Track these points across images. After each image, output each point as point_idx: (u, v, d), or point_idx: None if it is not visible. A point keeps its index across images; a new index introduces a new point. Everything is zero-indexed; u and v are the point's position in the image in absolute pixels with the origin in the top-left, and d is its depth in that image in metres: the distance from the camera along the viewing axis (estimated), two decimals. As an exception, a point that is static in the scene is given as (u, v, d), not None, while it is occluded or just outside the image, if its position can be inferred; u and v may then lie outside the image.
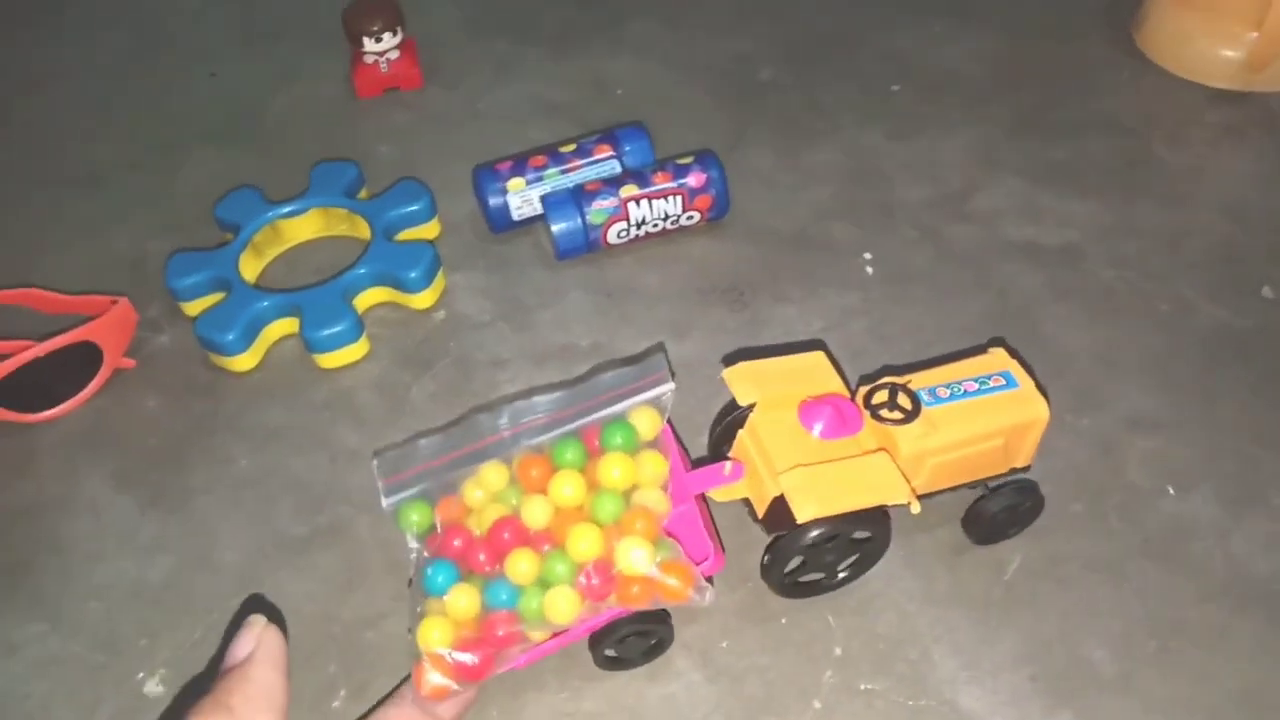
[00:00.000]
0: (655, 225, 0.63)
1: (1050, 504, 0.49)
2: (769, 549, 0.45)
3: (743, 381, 0.47)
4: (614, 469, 0.42)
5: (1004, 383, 0.47)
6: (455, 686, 0.40)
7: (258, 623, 0.36)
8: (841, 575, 0.47)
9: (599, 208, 0.62)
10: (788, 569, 0.45)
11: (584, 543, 0.41)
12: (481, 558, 0.42)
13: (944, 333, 0.58)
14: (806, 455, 0.45)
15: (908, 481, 0.44)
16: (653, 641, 0.45)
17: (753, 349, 0.58)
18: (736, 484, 0.47)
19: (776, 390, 0.47)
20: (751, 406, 0.47)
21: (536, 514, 0.42)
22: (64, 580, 0.51)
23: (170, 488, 0.54)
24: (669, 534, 0.42)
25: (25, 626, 0.49)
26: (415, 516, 0.43)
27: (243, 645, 0.36)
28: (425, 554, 0.43)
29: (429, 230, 0.66)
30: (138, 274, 0.65)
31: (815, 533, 0.43)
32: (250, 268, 0.64)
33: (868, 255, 0.63)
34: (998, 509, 0.47)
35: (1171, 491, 0.50)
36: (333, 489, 0.53)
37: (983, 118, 0.73)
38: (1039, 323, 0.58)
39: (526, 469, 0.43)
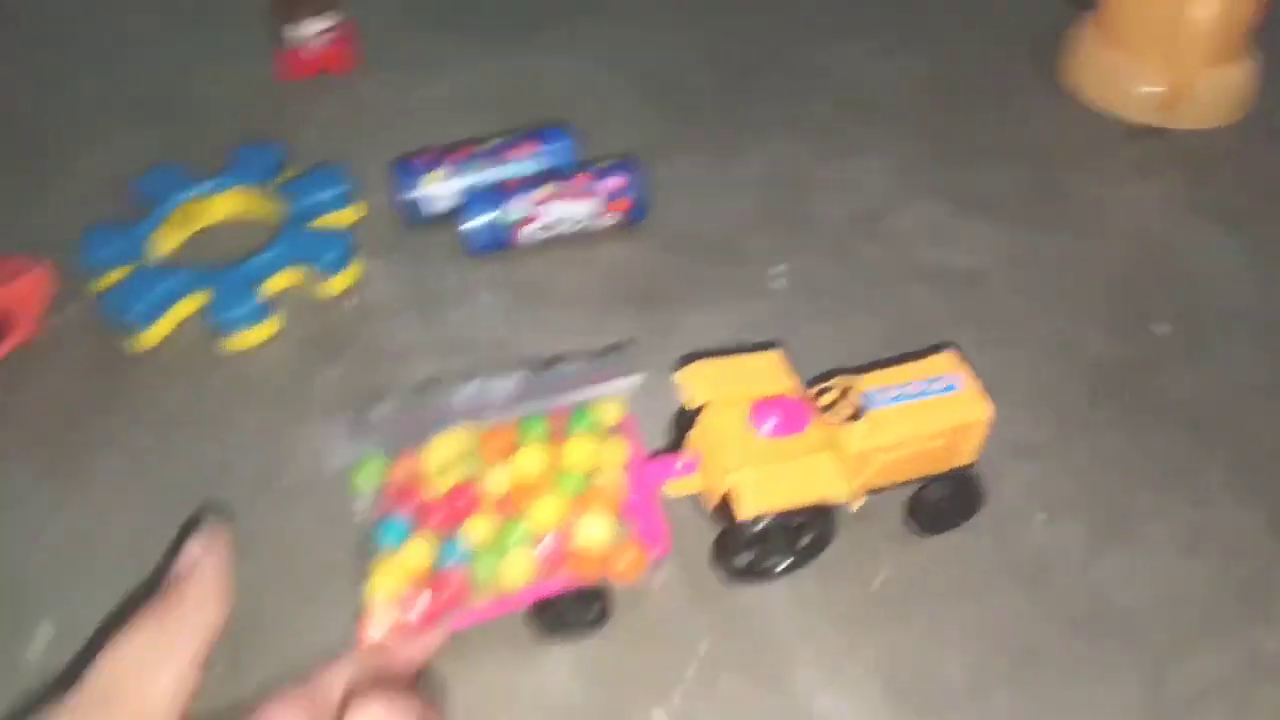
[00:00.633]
0: (571, 226, 0.64)
1: (923, 523, 0.50)
2: (717, 540, 0.48)
3: (694, 382, 0.50)
4: (579, 450, 0.45)
5: (949, 385, 0.49)
6: (399, 640, 0.41)
7: (208, 528, 0.39)
8: (788, 565, 0.49)
9: (514, 206, 0.63)
10: (737, 559, 0.48)
11: (546, 512, 0.44)
12: (438, 518, 0.44)
13: (843, 348, 0.59)
14: (754, 453, 0.47)
15: (852, 479, 0.47)
16: (592, 615, 0.47)
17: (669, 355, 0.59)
18: (690, 478, 0.49)
19: (729, 389, 0.49)
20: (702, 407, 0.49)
21: (498, 483, 0.45)
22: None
23: (67, 460, 0.54)
24: (625, 516, 0.45)
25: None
26: (371, 472, 0.45)
27: (192, 550, 0.38)
28: (376, 512, 0.44)
29: (346, 217, 0.66)
30: (53, 248, 0.64)
31: (758, 527, 0.46)
32: (165, 245, 0.64)
33: (781, 268, 0.64)
34: (938, 497, 0.50)
35: (1042, 518, 0.52)
36: (230, 469, 0.54)
37: (906, 139, 0.74)
38: (936, 344, 0.60)
39: (491, 440, 0.46)
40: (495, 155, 0.66)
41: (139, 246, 0.62)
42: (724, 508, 0.47)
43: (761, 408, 0.48)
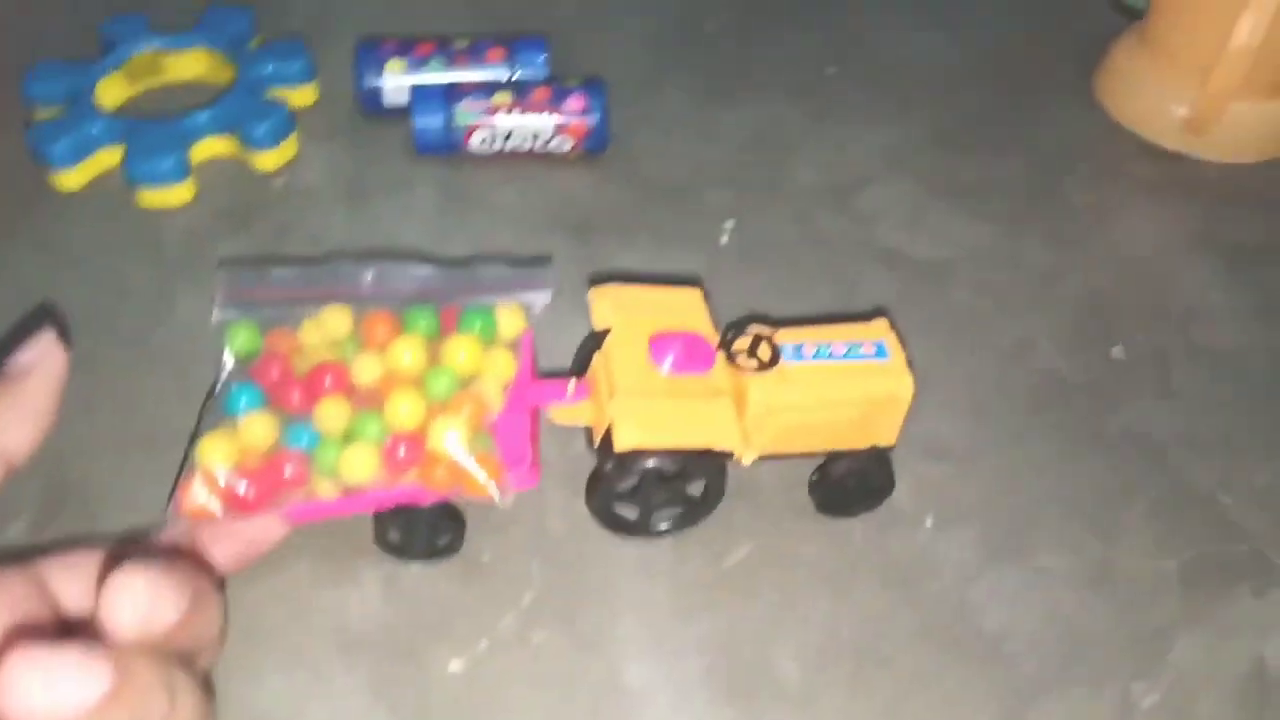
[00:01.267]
0: (525, 142, 0.61)
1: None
2: (592, 475, 0.44)
3: (605, 304, 0.46)
4: (461, 351, 0.41)
5: (874, 352, 0.45)
6: (218, 513, 0.38)
7: (45, 338, 0.34)
8: (668, 523, 0.46)
9: (466, 109, 0.60)
10: (615, 498, 0.44)
11: (404, 408, 0.40)
12: (295, 397, 0.40)
13: (773, 311, 0.55)
14: (650, 387, 0.43)
15: (751, 434, 0.43)
16: (442, 542, 0.44)
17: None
18: (580, 406, 0.46)
19: (638, 318, 0.45)
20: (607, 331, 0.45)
21: (367, 370, 0.41)
22: None
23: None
24: (492, 431, 0.41)
25: None
26: (242, 338, 0.42)
27: (26, 356, 0.34)
28: (236, 377, 0.41)
29: (301, 95, 0.64)
30: (9, 74, 0.63)
31: (637, 465, 0.42)
32: (114, 94, 0.62)
33: (729, 224, 0.61)
34: (843, 473, 0.46)
35: (929, 524, 0.48)
36: (104, 318, 0.52)
37: (908, 118, 0.69)
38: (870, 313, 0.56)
39: (373, 324, 0.42)
40: (465, 55, 0.63)
41: (85, 90, 0.60)
42: (608, 443, 0.43)
43: (662, 341, 0.44)
